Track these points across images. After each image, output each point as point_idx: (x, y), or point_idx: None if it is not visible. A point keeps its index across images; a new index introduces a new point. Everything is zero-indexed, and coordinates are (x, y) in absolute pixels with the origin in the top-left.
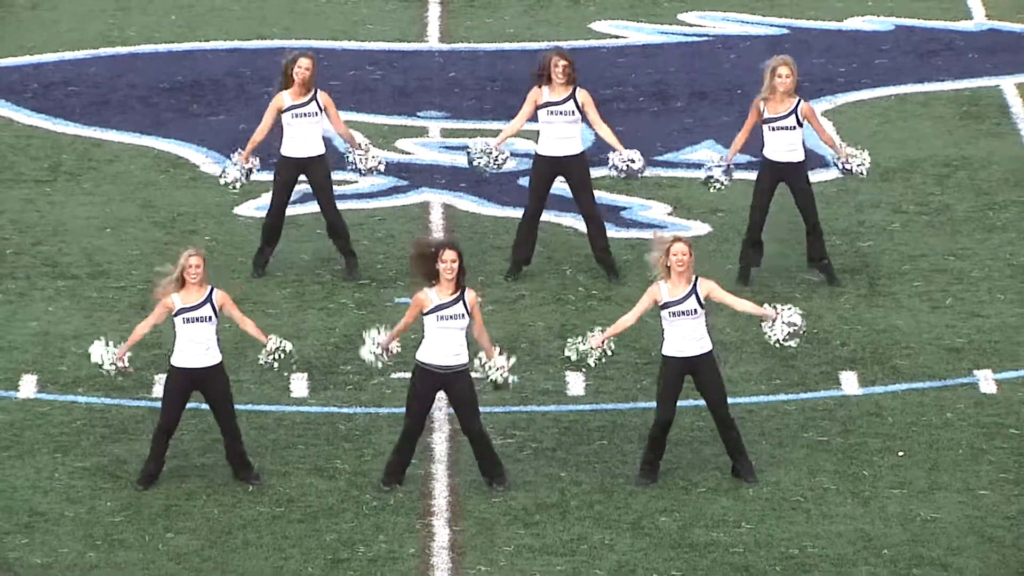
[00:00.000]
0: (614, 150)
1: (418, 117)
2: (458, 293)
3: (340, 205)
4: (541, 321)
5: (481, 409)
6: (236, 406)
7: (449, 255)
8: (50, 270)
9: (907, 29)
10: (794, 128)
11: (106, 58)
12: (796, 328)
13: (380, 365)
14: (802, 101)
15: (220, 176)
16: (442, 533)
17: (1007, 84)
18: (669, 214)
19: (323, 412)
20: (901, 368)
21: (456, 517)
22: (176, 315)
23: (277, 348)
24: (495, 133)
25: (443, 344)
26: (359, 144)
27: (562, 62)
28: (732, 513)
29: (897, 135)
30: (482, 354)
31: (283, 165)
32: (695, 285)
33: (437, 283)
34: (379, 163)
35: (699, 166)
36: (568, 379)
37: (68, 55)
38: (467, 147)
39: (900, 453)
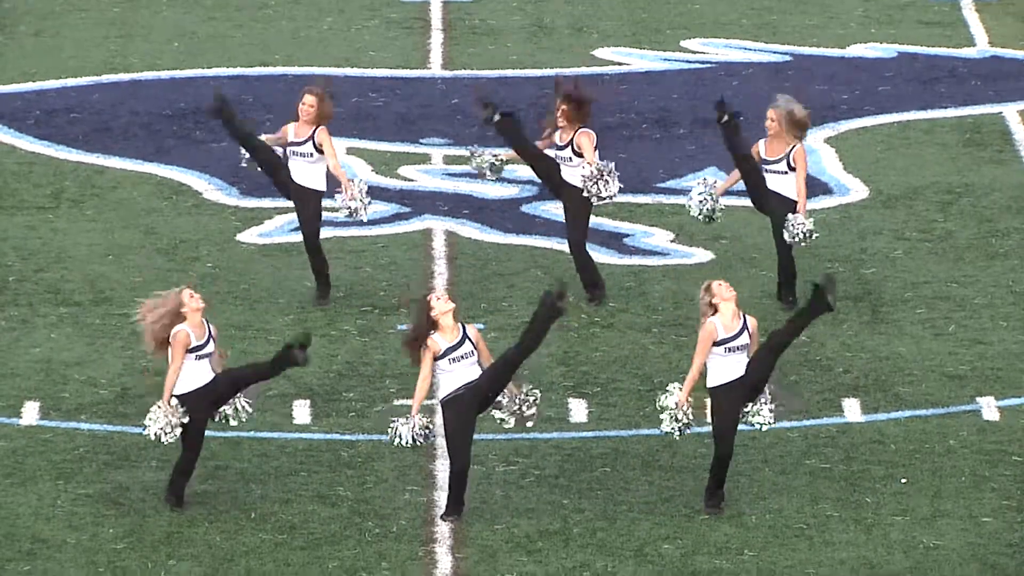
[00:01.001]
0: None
1: (420, 144)
2: (462, 332)
3: (342, 232)
4: (543, 348)
5: (481, 436)
6: (239, 433)
7: (442, 304)
8: (52, 297)
9: (910, 56)
10: (786, 173)
11: (108, 85)
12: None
13: (421, 443)
14: (798, 145)
15: None
16: (445, 561)
17: (1010, 111)
18: (672, 241)
19: (325, 439)
20: (903, 395)
21: (459, 544)
22: (190, 352)
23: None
24: None
25: (462, 380)
26: (348, 189)
27: (561, 105)
28: (735, 540)
29: (900, 162)
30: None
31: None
32: (745, 320)
33: (439, 329)
34: (360, 206)
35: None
36: (570, 406)
37: (70, 82)
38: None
39: (903, 480)
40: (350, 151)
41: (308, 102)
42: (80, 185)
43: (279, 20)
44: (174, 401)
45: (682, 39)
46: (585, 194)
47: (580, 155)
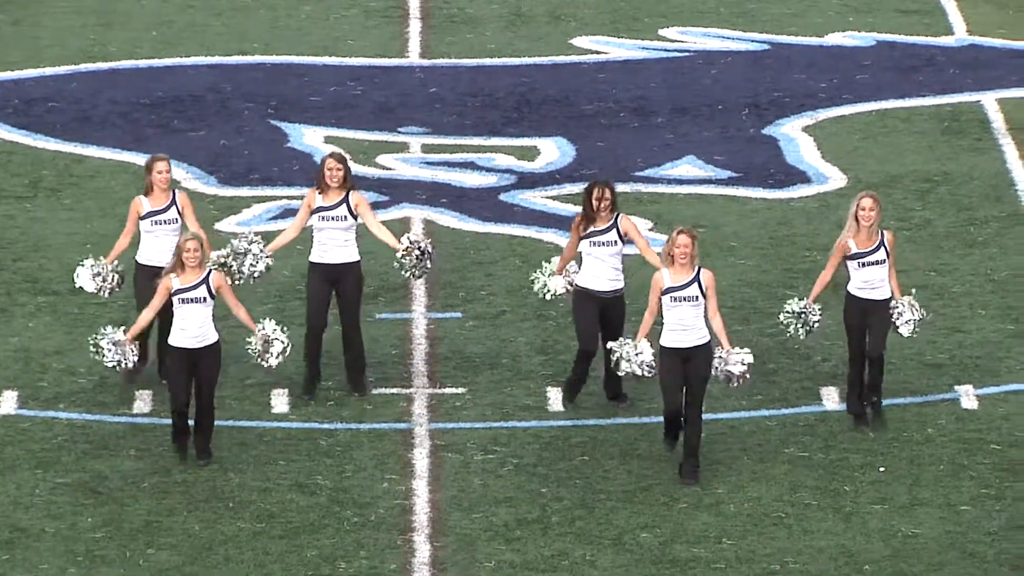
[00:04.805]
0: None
1: (399, 133)
2: (611, 221)
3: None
4: (522, 337)
5: (460, 425)
6: (218, 422)
7: (598, 192)
8: (31, 286)
9: (888, 45)
10: (883, 262)
11: (87, 74)
12: (737, 371)
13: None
14: (886, 232)
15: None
16: (423, 549)
17: (988, 100)
18: (650, 230)
19: (304, 428)
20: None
21: (437, 533)
22: (173, 295)
23: (266, 339)
24: (476, 149)
25: (598, 270)
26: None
27: (337, 166)
28: (713, 529)
29: (878, 151)
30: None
31: (140, 273)
32: (698, 273)
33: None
34: (254, 269)
35: (680, 182)
36: (549, 395)
37: (49, 71)
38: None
39: (881, 469)
40: (328, 140)
41: (163, 168)
42: (58, 174)
43: (257, 9)
44: (133, 348)
45: (660, 27)
46: (403, 271)
47: (355, 216)
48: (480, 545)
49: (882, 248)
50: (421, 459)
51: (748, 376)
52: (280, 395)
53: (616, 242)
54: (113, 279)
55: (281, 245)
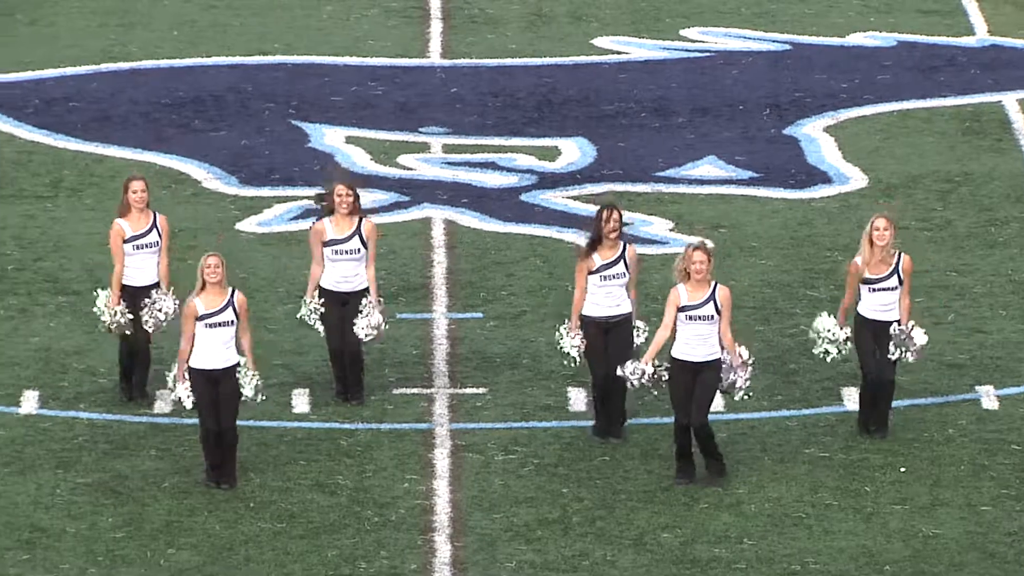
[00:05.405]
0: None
1: (420, 133)
2: (619, 251)
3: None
4: (543, 337)
5: (480, 425)
6: (238, 422)
7: (607, 214)
8: (51, 286)
9: (909, 45)
10: (896, 288)
11: (107, 74)
12: (739, 381)
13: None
14: (903, 256)
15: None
16: (444, 549)
17: (1009, 100)
18: (671, 230)
19: (324, 428)
20: (903, 384)
21: (458, 533)
22: (199, 320)
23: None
24: (497, 149)
25: (603, 298)
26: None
27: (347, 192)
28: (734, 529)
29: (899, 151)
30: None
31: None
32: (714, 290)
33: (600, 247)
34: (159, 318)
35: (701, 182)
36: (570, 395)
37: (69, 71)
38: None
39: (902, 469)
40: (349, 140)
41: (138, 188)
42: (79, 174)
43: (278, 9)
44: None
45: (681, 28)
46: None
47: (366, 246)
48: (501, 545)
49: (895, 275)
50: (442, 459)
51: (740, 384)
52: (300, 395)
53: (625, 273)
54: (125, 322)
55: (316, 286)
